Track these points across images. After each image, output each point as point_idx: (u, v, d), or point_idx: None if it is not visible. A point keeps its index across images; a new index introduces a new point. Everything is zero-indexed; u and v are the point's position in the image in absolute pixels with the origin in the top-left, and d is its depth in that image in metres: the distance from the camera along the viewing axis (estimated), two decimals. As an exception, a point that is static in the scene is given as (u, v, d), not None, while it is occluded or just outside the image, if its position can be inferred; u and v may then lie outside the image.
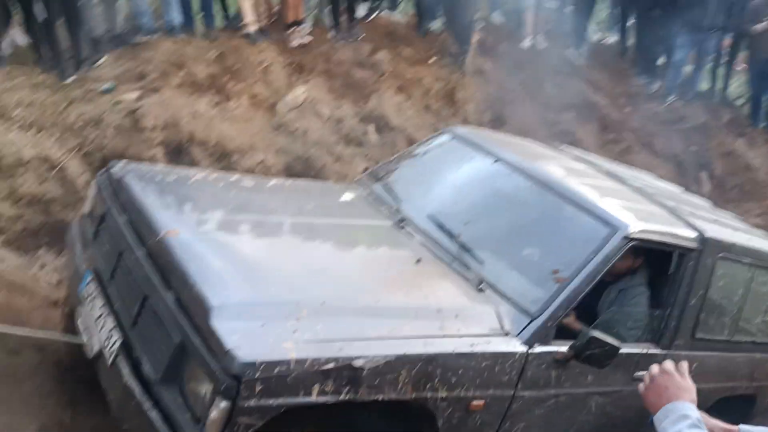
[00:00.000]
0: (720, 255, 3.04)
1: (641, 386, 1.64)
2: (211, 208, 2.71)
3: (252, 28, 5.82)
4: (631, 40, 8.72)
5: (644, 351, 2.88)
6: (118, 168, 2.80)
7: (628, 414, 2.94)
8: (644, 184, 3.56)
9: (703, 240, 2.95)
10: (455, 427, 2.33)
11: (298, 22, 6.14)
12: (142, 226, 2.40)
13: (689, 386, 1.59)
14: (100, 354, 2.28)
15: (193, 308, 2.03)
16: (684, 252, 2.90)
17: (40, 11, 4.77)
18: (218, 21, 6.11)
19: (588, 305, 2.74)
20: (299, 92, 5.67)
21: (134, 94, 4.81)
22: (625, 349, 2.67)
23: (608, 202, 2.85)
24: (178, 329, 2.00)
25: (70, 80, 5.01)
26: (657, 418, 1.56)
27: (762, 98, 7.92)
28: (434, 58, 7.01)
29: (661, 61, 8.38)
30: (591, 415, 2.77)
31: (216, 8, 6.06)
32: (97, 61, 5.29)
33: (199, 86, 5.19)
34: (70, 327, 2.70)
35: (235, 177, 3.14)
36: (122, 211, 2.54)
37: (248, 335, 1.92)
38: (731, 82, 8.54)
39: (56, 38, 5.04)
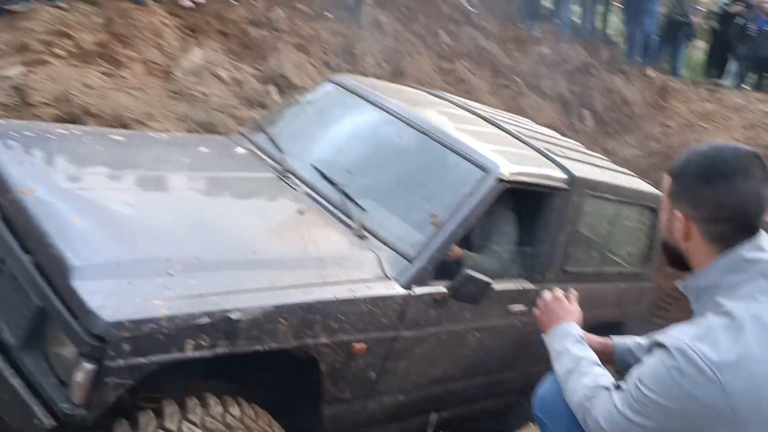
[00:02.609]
0: (587, 193, 3.23)
1: (536, 310, 1.93)
2: (75, 163, 2.54)
3: (139, -11, 5.43)
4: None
5: (518, 287, 3.04)
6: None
7: (505, 345, 3.12)
8: (519, 128, 3.69)
9: (572, 180, 3.12)
10: (339, 370, 2.38)
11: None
12: (-6, 186, 2.22)
13: (575, 310, 1.89)
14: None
15: (53, 270, 1.92)
16: (554, 192, 3.06)
17: None
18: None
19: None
20: (195, 55, 5.39)
21: (18, 69, 4.38)
22: (499, 286, 2.82)
23: (482, 145, 2.93)
24: (37, 293, 1.90)
25: None
26: (546, 337, 1.85)
27: (636, 34, 8.38)
28: (330, 12, 6.88)
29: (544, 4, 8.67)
30: (470, 349, 2.91)
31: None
32: None
33: (88, 56, 4.84)
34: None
35: (103, 130, 2.96)
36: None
37: (113, 294, 1.85)
38: (609, 19, 9.01)
39: None
